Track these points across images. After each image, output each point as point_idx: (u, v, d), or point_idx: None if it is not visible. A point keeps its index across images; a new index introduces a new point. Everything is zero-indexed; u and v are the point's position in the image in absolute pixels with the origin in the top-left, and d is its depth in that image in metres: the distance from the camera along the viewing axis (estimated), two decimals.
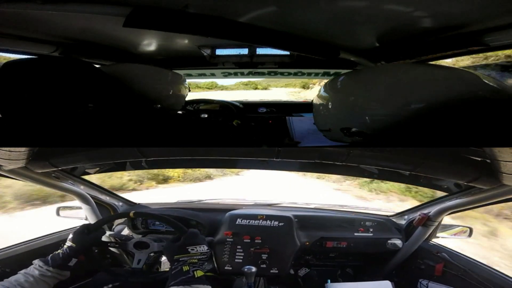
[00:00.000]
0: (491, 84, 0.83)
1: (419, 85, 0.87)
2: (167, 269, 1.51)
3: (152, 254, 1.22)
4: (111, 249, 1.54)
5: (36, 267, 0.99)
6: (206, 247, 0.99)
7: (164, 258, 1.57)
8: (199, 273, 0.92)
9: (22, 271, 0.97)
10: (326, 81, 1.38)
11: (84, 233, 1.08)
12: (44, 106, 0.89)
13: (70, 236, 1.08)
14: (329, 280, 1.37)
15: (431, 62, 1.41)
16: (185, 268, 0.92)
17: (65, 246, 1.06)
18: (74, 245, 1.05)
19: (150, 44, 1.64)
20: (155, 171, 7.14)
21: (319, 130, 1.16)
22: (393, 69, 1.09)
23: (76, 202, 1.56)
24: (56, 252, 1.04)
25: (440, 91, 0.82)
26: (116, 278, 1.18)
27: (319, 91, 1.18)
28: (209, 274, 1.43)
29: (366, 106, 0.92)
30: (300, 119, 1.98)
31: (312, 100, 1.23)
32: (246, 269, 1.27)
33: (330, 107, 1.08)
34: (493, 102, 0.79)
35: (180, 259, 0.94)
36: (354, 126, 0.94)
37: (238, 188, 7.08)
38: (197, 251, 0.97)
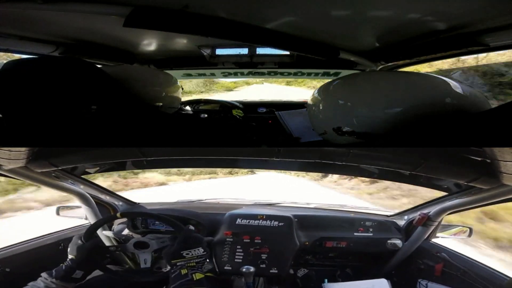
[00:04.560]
0: (458, 90, 0.95)
1: (402, 90, 0.96)
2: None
3: (153, 254, 1.23)
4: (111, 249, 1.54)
5: (42, 279, 1.00)
6: (201, 250, 0.98)
7: None
8: (198, 276, 0.92)
9: (30, 284, 0.98)
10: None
11: (80, 243, 1.09)
12: (48, 106, 0.89)
13: (69, 248, 1.09)
14: (326, 280, 1.37)
15: (430, 63, 1.41)
16: (184, 271, 0.92)
17: (68, 259, 1.07)
18: (73, 257, 1.06)
19: (150, 44, 1.64)
20: None
21: (318, 134, 1.19)
22: (386, 75, 1.20)
23: (76, 202, 1.56)
24: (61, 265, 1.06)
25: (422, 96, 0.93)
26: (122, 278, 1.19)
27: (313, 94, 1.21)
28: (208, 275, 1.44)
29: (357, 108, 0.99)
30: (295, 112, 1.97)
31: (306, 103, 1.26)
32: (244, 269, 1.27)
33: (323, 110, 1.13)
34: (460, 108, 0.89)
35: (178, 264, 0.94)
36: (344, 126, 1.00)
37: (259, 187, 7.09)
38: (192, 255, 0.96)
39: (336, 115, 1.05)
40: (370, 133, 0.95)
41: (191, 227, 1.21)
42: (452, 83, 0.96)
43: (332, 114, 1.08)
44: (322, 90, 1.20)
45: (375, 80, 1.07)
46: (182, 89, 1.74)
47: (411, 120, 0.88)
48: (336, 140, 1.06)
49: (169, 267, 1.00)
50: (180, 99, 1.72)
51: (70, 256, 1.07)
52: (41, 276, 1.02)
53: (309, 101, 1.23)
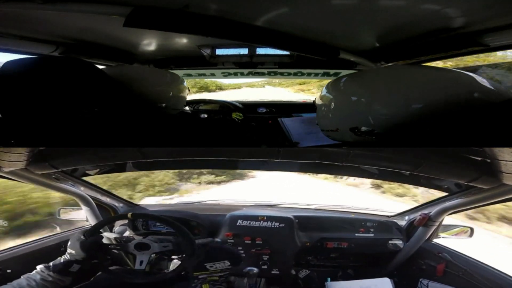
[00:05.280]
0: (486, 85, 0.87)
1: (419, 86, 0.90)
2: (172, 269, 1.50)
3: (153, 255, 1.22)
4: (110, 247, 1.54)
5: (38, 271, 1.00)
6: (228, 263, 0.95)
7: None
8: None
9: (25, 275, 0.98)
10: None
11: (82, 239, 1.08)
12: (48, 106, 0.88)
13: (69, 243, 1.08)
14: (329, 279, 1.37)
15: (430, 63, 1.41)
16: (205, 287, 0.90)
17: (66, 253, 1.07)
18: (73, 251, 1.05)
19: (150, 44, 1.64)
20: None
21: (323, 130, 1.16)
22: (395, 70, 1.13)
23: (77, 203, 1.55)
24: (59, 258, 1.06)
25: (439, 92, 0.86)
26: (117, 279, 1.17)
27: (322, 92, 1.18)
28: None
29: (371, 106, 0.94)
30: (297, 119, 1.97)
31: (314, 101, 1.23)
32: (248, 270, 1.27)
33: (335, 107, 1.08)
34: (489, 102, 0.82)
35: (199, 277, 0.92)
36: (362, 126, 0.95)
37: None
38: (216, 268, 0.93)
39: (354, 113, 1.00)
40: (387, 132, 0.90)
41: (218, 240, 1.16)
42: (477, 77, 0.91)
43: (349, 112, 1.02)
44: (332, 86, 1.17)
45: (394, 75, 1.02)
46: (189, 90, 1.74)
47: (433, 118, 0.83)
48: (348, 138, 1.03)
49: (171, 269, 0.99)
50: (186, 99, 1.72)
51: (69, 250, 1.06)
52: (36, 269, 1.00)
53: (318, 99, 1.21)
